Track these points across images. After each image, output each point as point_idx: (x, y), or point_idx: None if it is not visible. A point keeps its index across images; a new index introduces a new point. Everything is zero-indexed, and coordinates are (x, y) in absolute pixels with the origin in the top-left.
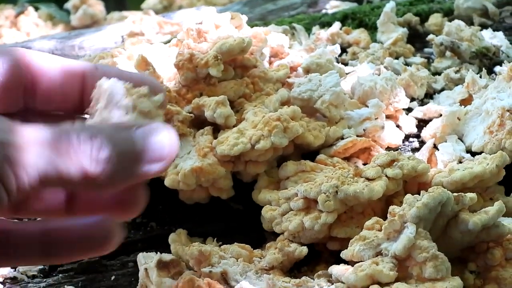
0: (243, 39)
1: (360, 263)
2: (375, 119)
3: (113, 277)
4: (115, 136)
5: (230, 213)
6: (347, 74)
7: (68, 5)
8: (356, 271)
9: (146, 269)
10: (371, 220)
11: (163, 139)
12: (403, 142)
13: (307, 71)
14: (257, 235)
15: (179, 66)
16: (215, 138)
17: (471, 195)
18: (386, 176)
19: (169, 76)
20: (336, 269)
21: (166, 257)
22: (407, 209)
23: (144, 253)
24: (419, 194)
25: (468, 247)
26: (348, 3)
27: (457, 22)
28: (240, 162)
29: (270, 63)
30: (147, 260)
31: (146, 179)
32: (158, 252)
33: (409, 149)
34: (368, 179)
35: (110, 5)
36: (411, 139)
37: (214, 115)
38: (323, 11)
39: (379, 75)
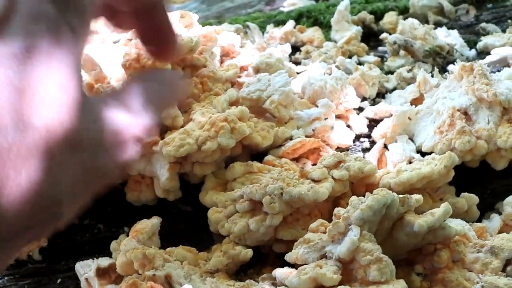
0: (191, 38)
1: (304, 266)
2: (325, 119)
3: (59, 280)
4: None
5: (179, 215)
6: (298, 73)
7: None
8: (299, 275)
9: (87, 279)
10: (316, 222)
11: None
12: (353, 142)
13: (257, 70)
14: (207, 237)
15: (126, 66)
16: (162, 139)
17: (416, 196)
18: (333, 177)
19: (117, 76)
20: (279, 272)
21: (104, 262)
22: (352, 211)
23: (81, 262)
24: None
25: (415, 249)
26: (306, 1)
27: (411, 20)
28: (187, 163)
29: (222, 62)
30: (85, 269)
31: None
32: (95, 259)
33: (360, 149)
34: (314, 180)
35: None
36: (362, 139)
37: (161, 116)
38: (280, 9)
39: (330, 74)
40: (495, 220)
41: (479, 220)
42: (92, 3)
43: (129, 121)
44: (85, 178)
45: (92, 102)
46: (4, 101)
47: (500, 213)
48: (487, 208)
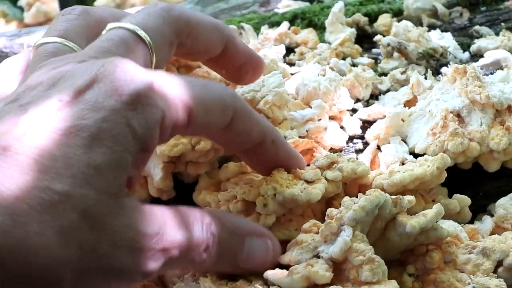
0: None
1: (295, 266)
2: (318, 120)
3: None
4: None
5: None
6: (292, 74)
7: (21, 3)
8: (291, 274)
9: None
10: (309, 223)
11: (265, 255)
12: (347, 143)
13: None
14: None
15: None
16: None
17: (409, 197)
18: (326, 178)
19: None
20: (271, 274)
21: None
22: (344, 212)
23: None
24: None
25: (408, 250)
26: (300, 2)
27: (404, 22)
28: (181, 163)
29: None
30: None
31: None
32: None
33: (353, 151)
34: (307, 181)
35: (71, 4)
36: (355, 141)
37: None
38: (275, 10)
39: (324, 75)
40: (487, 222)
41: (471, 221)
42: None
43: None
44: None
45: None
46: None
47: (492, 215)
48: (479, 209)
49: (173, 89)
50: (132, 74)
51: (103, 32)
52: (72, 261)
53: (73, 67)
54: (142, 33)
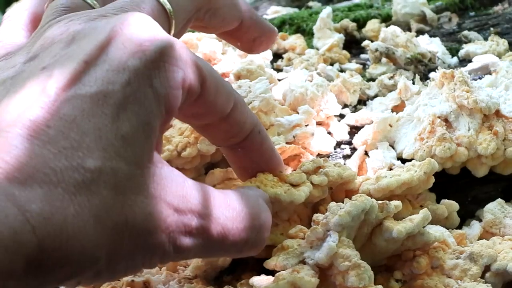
0: None
1: (281, 272)
2: (306, 125)
3: None
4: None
5: None
6: (279, 80)
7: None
8: (277, 280)
9: None
10: (295, 228)
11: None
12: (334, 149)
13: (238, 77)
14: None
15: None
16: None
17: (395, 202)
18: (312, 183)
19: None
20: (257, 280)
21: None
22: (330, 217)
23: None
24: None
25: (395, 255)
26: (289, 8)
27: (392, 28)
28: None
29: None
30: None
31: None
32: None
33: (341, 156)
34: (292, 184)
35: None
36: (342, 146)
37: None
38: (264, 16)
39: (311, 81)
40: (475, 227)
41: (460, 227)
42: (181, 77)
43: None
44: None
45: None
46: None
47: (480, 220)
48: (468, 215)
49: (190, 54)
50: (155, 31)
51: None
52: (107, 240)
53: (92, 23)
54: (166, 4)
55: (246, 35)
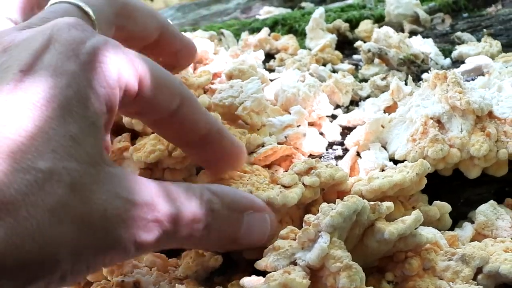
0: None
1: (272, 273)
2: (298, 126)
3: None
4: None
5: None
6: (271, 80)
7: None
8: (268, 281)
9: None
10: (286, 229)
11: (263, 229)
12: (326, 149)
13: (230, 77)
14: None
15: None
16: (133, 145)
17: (387, 203)
18: (303, 184)
19: None
20: (247, 281)
21: None
22: (322, 218)
23: None
24: None
25: (386, 257)
26: (282, 9)
27: (385, 28)
28: (158, 170)
29: (195, 69)
30: None
31: None
32: None
33: (333, 157)
34: (284, 186)
35: None
36: (334, 147)
37: (132, 122)
38: (256, 17)
39: (303, 81)
40: (467, 229)
41: (452, 228)
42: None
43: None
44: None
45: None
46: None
47: (473, 222)
48: (460, 216)
49: (126, 52)
50: (86, 31)
51: (46, 6)
52: (67, 239)
53: (21, 33)
54: (86, 7)
55: (168, 47)
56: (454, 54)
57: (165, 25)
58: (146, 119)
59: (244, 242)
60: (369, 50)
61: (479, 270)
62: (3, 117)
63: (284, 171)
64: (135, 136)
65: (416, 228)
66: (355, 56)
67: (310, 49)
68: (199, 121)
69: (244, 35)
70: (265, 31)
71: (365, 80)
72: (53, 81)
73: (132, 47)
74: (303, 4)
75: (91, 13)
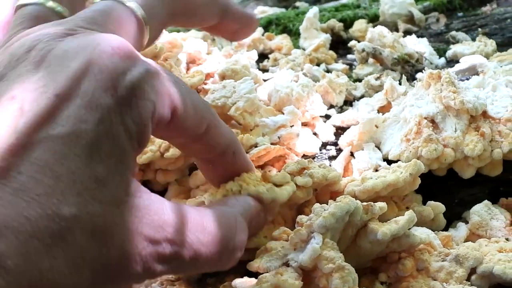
0: (155, 45)
1: (264, 274)
2: (291, 126)
3: None
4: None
5: None
6: (265, 80)
7: None
8: (260, 283)
9: None
10: (279, 230)
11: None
12: (320, 150)
13: (223, 77)
14: None
15: None
16: None
17: (381, 204)
18: (296, 184)
19: None
20: (239, 282)
21: None
22: (314, 219)
23: None
24: None
25: (380, 258)
26: (276, 8)
27: (380, 28)
28: (150, 171)
29: (188, 69)
30: None
31: None
32: None
33: (326, 157)
34: (275, 184)
35: None
36: (328, 147)
37: None
38: None
39: (297, 81)
40: (462, 229)
41: (446, 229)
42: (149, 116)
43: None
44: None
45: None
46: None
47: (467, 222)
48: (454, 217)
49: (163, 82)
50: (128, 60)
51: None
52: (85, 284)
53: (61, 43)
54: (139, 10)
55: (227, 28)
56: (449, 53)
57: (225, 9)
58: (170, 141)
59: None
60: (363, 50)
61: (473, 271)
62: (30, 152)
63: (277, 172)
64: None
65: (409, 229)
66: (349, 56)
67: (304, 49)
68: (219, 144)
69: None
70: (258, 31)
71: (359, 80)
72: (86, 114)
73: (188, 27)
74: (297, 3)
75: (143, 16)
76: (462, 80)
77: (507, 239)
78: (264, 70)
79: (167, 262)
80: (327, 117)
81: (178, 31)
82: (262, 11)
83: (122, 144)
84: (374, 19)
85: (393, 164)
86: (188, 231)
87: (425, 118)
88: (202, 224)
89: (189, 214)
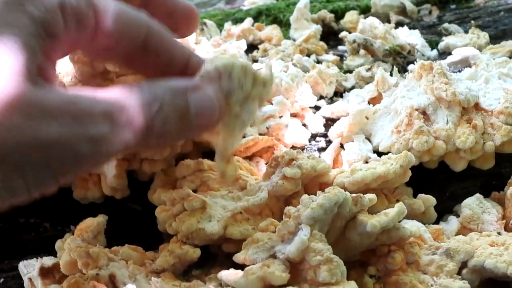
0: None
1: (251, 266)
2: (280, 117)
3: (1, 280)
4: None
5: (128, 213)
6: None
7: None
8: (247, 275)
9: (30, 279)
10: (265, 221)
11: (212, 105)
12: (309, 141)
13: None
14: (156, 237)
15: (74, 60)
16: None
17: (370, 196)
18: (284, 175)
19: (66, 70)
20: (225, 274)
21: (48, 262)
22: (302, 210)
23: (25, 261)
24: None
25: (369, 250)
26: (266, 0)
27: (371, 19)
28: (136, 160)
29: None
30: (29, 269)
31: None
32: (39, 258)
33: (316, 149)
34: None
35: None
36: (318, 139)
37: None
38: (241, 7)
39: (286, 72)
40: (453, 223)
41: (437, 222)
42: None
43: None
44: None
45: None
46: None
47: (458, 216)
48: (446, 211)
49: None
50: None
51: None
52: None
53: None
54: None
55: (159, 7)
56: (441, 45)
57: None
58: (117, 56)
59: (200, 123)
60: (354, 41)
61: (463, 265)
62: None
63: (265, 163)
64: None
65: (399, 221)
66: (340, 47)
67: (294, 40)
68: (175, 52)
69: (227, 25)
70: (248, 21)
71: (350, 71)
72: None
73: None
74: None
75: None
76: (454, 72)
77: (498, 233)
78: (254, 61)
79: None
80: (317, 108)
81: None
82: (252, 2)
83: (26, 29)
84: (365, 10)
85: (383, 156)
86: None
87: (416, 109)
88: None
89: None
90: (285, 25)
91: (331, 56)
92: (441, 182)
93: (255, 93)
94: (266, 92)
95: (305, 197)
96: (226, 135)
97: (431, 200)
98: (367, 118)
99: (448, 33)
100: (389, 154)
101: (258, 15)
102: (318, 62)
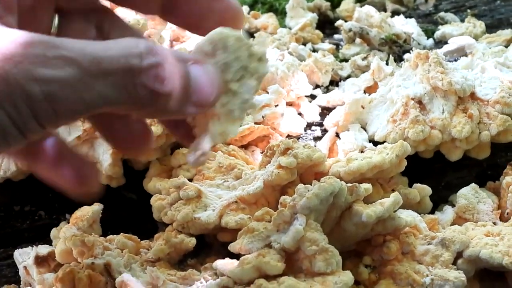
0: (137, 20)
1: (246, 256)
2: (275, 106)
3: None
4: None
5: (123, 202)
6: None
7: None
8: (242, 264)
9: (25, 267)
10: (261, 210)
11: (212, 79)
12: (305, 130)
13: None
14: (151, 226)
15: None
16: None
17: (366, 185)
18: (280, 165)
19: None
20: (220, 264)
21: (43, 250)
22: (298, 200)
23: (20, 249)
24: None
25: (364, 240)
26: None
27: (367, 8)
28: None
29: (171, 46)
30: (24, 257)
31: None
32: (34, 246)
33: (311, 138)
34: None
35: None
36: (313, 128)
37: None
38: None
39: (282, 60)
40: (448, 212)
41: (433, 212)
42: None
43: None
44: None
45: None
46: None
47: (453, 205)
48: (441, 200)
49: None
50: None
51: None
52: None
53: None
54: None
55: (186, 7)
56: (437, 34)
57: None
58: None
59: (198, 98)
60: (350, 30)
61: (459, 255)
62: None
63: (261, 152)
64: None
65: (395, 211)
66: (336, 36)
67: (290, 28)
68: None
69: None
70: (244, 9)
71: (346, 60)
72: None
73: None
74: None
75: None
76: (451, 61)
77: (494, 223)
78: None
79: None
80: (313, 97)
81: None
82: None
83: None
84: None
85: (379, 146)
86: None
87: (412, 99)
88: None
89: None
90: (281, 14)
91: (327, 45)
92: (436, 172)
93: (252, 68)
94: (262, 67)
95: (300, 186)
96: (224, 117)
97: (426, 189)
98: (362, 107)
99: (444, 22)
100: (385, 144)
101: (254, 3)
102: (314, 50)
